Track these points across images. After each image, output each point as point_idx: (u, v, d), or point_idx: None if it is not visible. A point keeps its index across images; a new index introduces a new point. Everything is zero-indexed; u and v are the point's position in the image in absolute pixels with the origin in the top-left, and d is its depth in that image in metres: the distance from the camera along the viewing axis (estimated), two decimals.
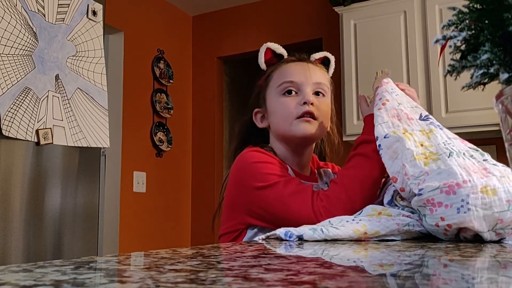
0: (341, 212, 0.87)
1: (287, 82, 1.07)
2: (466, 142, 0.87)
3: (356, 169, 0.95)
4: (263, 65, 1.13)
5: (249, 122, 1.15)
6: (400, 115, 0.92)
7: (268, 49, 1.13)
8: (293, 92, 1.06)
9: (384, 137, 0.87)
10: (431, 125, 0.89)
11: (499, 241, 0.72)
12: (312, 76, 1.08)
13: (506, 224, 0.71)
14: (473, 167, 0.77)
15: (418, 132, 0.87)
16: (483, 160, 0.80)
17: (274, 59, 1.13)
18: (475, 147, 0.85)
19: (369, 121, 0.98)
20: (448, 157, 0.78)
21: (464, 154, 0.80)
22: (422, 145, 0.84)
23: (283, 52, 1.14)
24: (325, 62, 1.17)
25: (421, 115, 0.93)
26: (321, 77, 1.10)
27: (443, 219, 0.71)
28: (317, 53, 1.16)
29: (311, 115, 1.04)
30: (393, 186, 0.87)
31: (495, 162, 0.80)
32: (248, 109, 1.16)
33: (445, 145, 0.82)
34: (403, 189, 0.80)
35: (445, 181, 0.73)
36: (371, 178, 0.94)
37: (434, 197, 0.73)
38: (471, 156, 0.80)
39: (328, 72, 1.15)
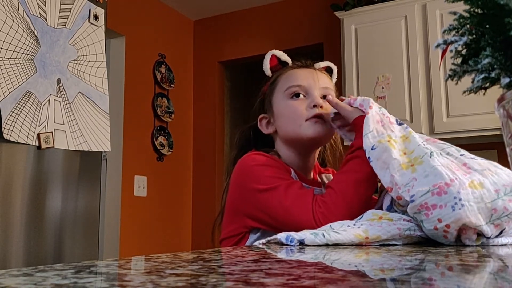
0: (339, 217, 0.86)
1: (295, 85, 1.07)
2: (437, 140, 0.88)
3: (350, 173, 0.94)
4: (268, 72, 1.14)
5: (251, 130, 1.15)
6: (384, 120, 0.92)
7: (273, 56, 1.14)
8: (301, 96, 1.06)
9: (372, 149, 0.88)
10: (407, 129, 0.90)
11: (500, 234, 0.73)
12: (319, 80, 1.08)
13: (500, 212, 0.71)
14: (453, 164, 0.77)
15: (399, 138, 0.88)
16: (460, 155, 0.81)
17: (279, 66, 1.14)
18: (448, 144, 0.86)
19: (360, 124, 0.95)
20: (430, 157, 0.79)
21: (440, 154, 0.81)
22: (404, 153, 0.84)
23: (288, 59, 1.15)
24: (328, 71, 1.17)
25: (397, 120, 0.94)
26: (327, 82, 1.11)
27: (440, 220, 0.71)
28: (320, 62, 1.17)
29: (321, 117, 1.04)
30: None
31: (472, 155, 0.81)
32: (251, 116, 1.16)
33: (424, 145, 0.83)
34: (399, 197, 0.80)
35: (433, 183, 0.74)
36: (365, 181, 0.93)
37: (427, 200, 0.73)
38: (448, 154, 0.81)
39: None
